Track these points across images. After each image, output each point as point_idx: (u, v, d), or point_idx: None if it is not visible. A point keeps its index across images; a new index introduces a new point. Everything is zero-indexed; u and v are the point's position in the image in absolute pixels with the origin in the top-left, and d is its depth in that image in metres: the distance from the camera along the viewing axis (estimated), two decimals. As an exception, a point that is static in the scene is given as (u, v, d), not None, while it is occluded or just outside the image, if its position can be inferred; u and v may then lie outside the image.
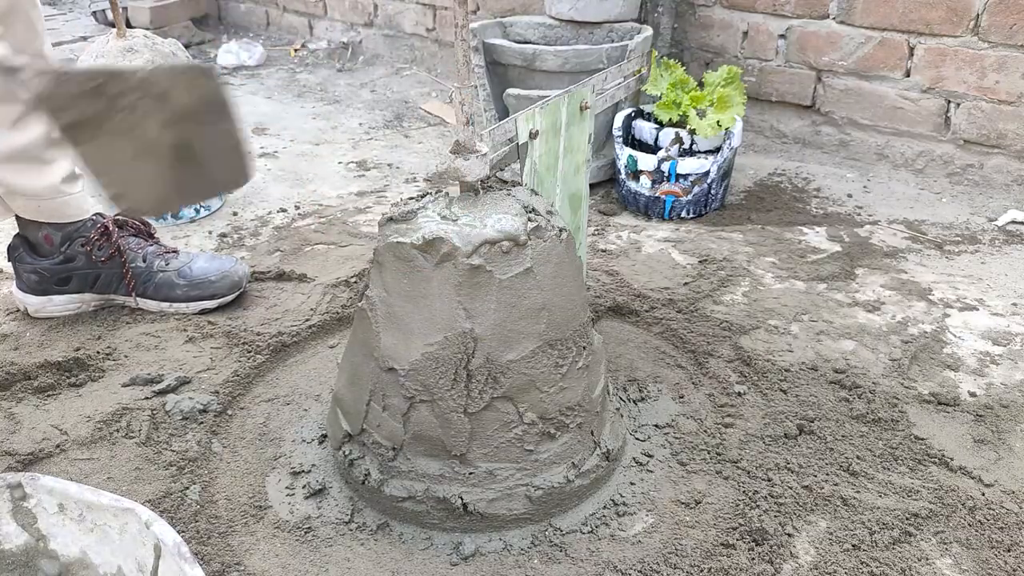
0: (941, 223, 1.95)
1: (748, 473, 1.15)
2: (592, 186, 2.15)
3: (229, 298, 1.61)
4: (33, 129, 1.42)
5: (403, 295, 1.02)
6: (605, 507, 1.10)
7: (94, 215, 1.58)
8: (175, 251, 1.65)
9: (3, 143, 1.41)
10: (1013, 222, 1.92)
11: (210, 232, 1.94)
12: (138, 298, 1.58)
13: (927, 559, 1.01)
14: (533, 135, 1.20)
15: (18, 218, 1.53)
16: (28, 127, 1.42)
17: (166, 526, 0.80)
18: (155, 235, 1.68)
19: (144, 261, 1.59)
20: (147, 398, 1.32)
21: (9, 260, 1.58)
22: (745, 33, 2.39)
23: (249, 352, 1.44)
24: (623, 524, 1.08)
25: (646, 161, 1.97)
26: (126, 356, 1.44)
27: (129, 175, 0.78)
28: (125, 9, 3.60)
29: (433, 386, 1.01)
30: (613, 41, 2.28)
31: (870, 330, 1.50)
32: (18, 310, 1.59)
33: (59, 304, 1.57)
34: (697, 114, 1.99)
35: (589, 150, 1.36)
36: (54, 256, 1.54)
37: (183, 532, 1.04)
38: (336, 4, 3.50)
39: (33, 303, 1.56)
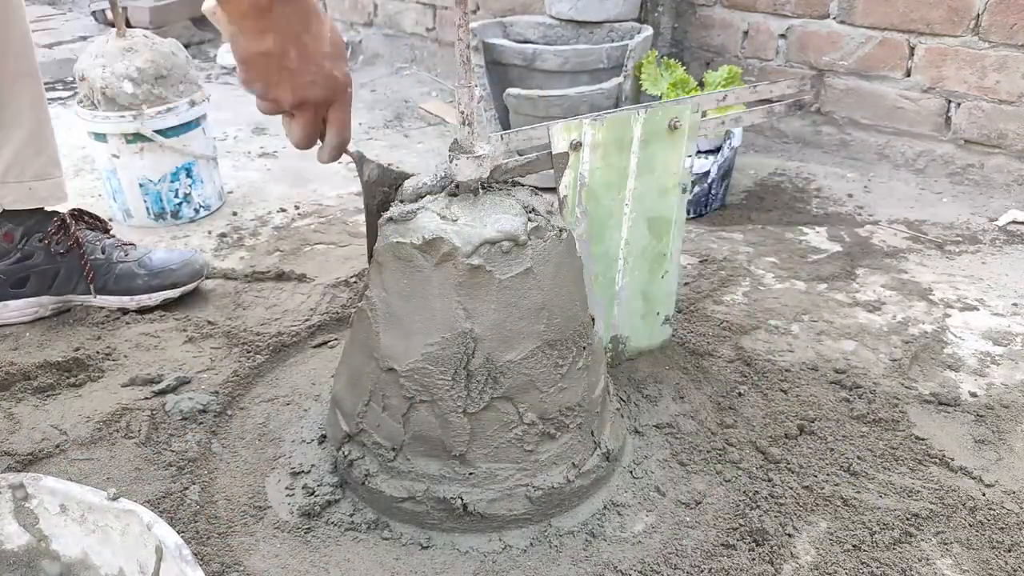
0: (942, 223, 1.95)
1: (748, 473, 1.15)
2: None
3: (191, 286, 1.59)
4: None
5: (403, 295, 1.02)
6: (605, 507, 1.10)
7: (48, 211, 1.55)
8: (132, 244, 1.62)
9: None
10: (1014, 222, 1.92)
11: (210, 232, 1.94)
12: (98, 295, 1.55)
13: (928, 559, 1.01)
14: (575, 146, 1.16)
15: None
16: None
17: (167, 528, 0.80)
18: (110, 229, 1.64)
19: (103, 253, 1.55)
20: (147, 398, 1.32)
21: None
22: (745, 33, 2.39)
23: (249, 352, 1.44)
24: (623, 524, 1.08)
25: (646, 161, 1.97)
26: (126, 356, 1.44)
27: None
28: (125, 9, 3.59)
29: (433, 386, 1.01)
30: (613, 41, 2.28)
31: (871, 330, 1.50)
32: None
33: (15, 309, 1.52)
34: (697, 114, 1.99)
35: (686, 173, 1.29)
36: (11, 255, 1.50)
37: (183, 532, 1.04)
38: (336, 4, 3.50)
39: None
